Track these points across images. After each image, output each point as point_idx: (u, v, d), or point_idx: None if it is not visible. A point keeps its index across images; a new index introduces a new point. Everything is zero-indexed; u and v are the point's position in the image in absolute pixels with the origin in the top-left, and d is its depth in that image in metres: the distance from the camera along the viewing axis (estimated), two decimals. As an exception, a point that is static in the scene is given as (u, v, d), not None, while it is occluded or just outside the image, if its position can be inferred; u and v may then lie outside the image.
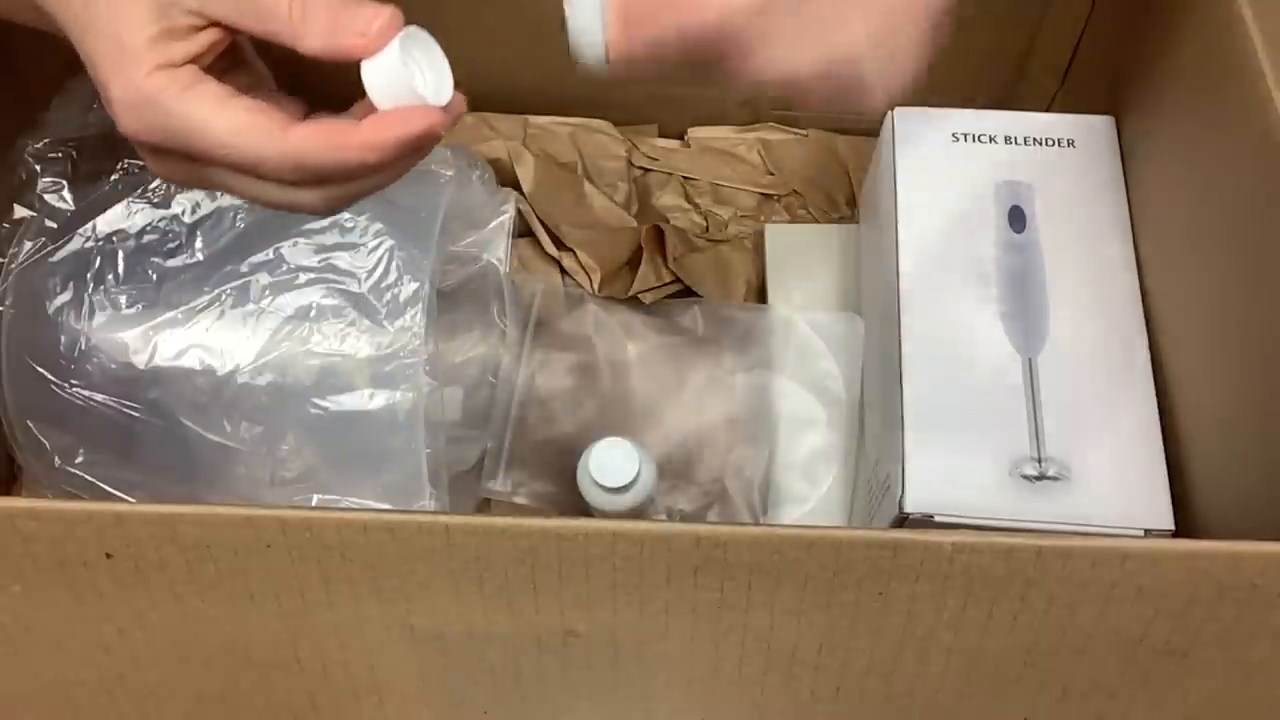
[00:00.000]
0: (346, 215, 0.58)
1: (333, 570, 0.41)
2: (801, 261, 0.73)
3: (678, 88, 0.77)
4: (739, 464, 0.66)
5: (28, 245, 0.57)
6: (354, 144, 0.40)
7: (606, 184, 0.77)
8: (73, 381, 0.56)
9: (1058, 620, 0.41)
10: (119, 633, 0.44)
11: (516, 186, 0.74)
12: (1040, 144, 0.63)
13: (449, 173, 0.62)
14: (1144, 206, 0.61)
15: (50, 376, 0.56)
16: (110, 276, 0.57)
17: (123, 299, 0.57)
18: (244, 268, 0.57)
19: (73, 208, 0.58)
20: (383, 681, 0.47)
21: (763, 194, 0.78)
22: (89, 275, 0.57)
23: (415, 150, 0.41)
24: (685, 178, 0.79)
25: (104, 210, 0.58)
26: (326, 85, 0.43)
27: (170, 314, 0.56)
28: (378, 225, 0.58)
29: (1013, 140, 0.63)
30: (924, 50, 0.44)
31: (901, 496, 0.54)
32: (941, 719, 0.47)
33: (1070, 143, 0.63)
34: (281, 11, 0.40)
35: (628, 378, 0.69)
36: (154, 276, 0.57)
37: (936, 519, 0.53)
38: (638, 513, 0.59)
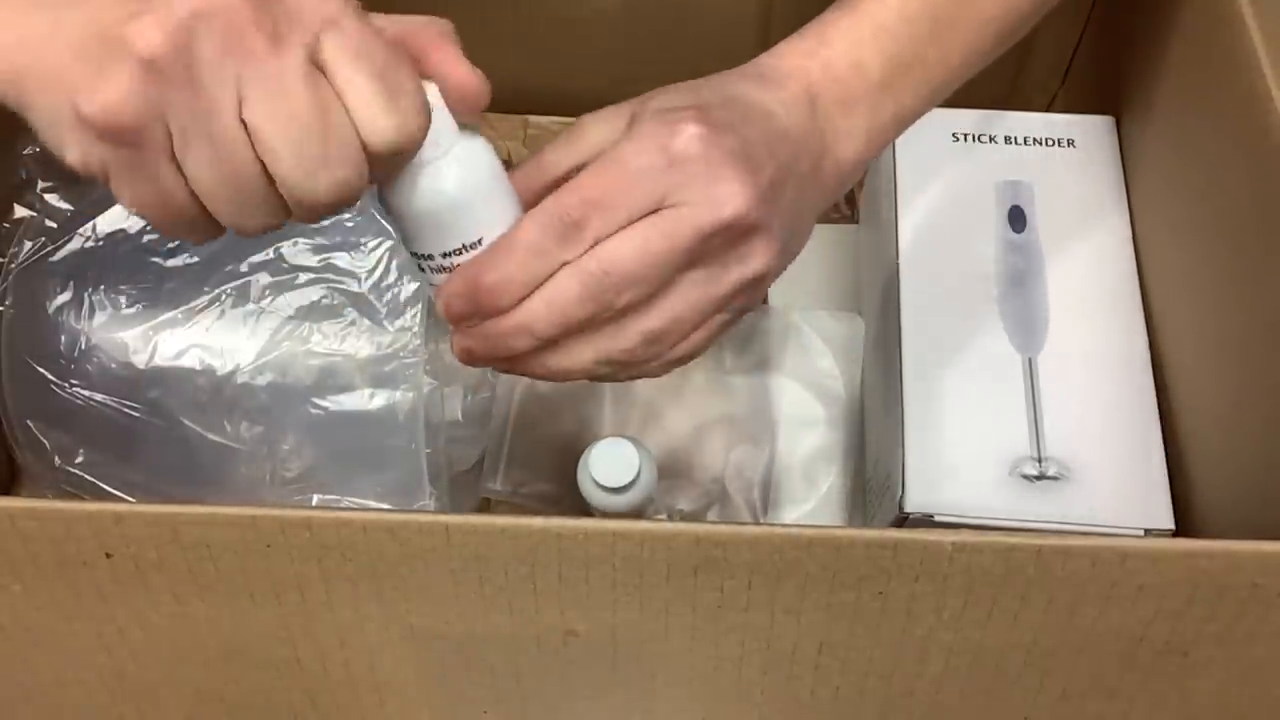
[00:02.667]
0: (347, 215, 0.58)
1: (333, 570, 0.41)
2: (801, 261, 0.73)
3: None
4: (739, 464, 0.66)
5: (28, 245, 0.57)
6: None
7: (606, 184, 0.77)
8: (73, 381, 0.56)
9: (1058, 620, 0.41)
10: (119, 633, 0.44)
11: (517, 186, 0.74)
12: (1040, 144, 0.63)
13: (449, 172, 0.62)
14: (1144, 206, 0.61)
15: (50, 376, 0.56)
16: (110, 276, 0.57)
17: (123, 299, 0.57)
18: (244, 268, 0.57)
19: (73, 208, 0.58)
20: (383, 681, 0.47)
21: (763, 194, 0.78)
22: (89, 275, 0.57)
23: None
24: (685, 178, 0.78)
25: (104, 210, 0.58)
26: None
27: (170, 314, 0.56)
28: (378, 225, 0.58)
29: (1013, 140, 0.63)
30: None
31: (901, 496, 0.54)
32: (941, 719, 0.47)
33: (1070, 143, 0.63)
34: None
35: (628, 377, 0.69)
36: (154, 276, 0.57)
37: (936, 519, 0.53)
38: (638, 513, 0.59)
